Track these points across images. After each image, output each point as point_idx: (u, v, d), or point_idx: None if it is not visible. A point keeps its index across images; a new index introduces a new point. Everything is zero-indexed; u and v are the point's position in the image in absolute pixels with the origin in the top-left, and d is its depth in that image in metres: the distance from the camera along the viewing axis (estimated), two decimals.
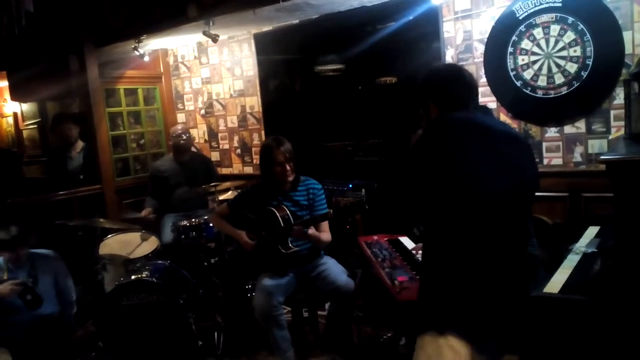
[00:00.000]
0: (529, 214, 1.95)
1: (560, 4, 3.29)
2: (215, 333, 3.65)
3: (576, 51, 3.28)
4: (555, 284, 1.95)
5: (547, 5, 3.33)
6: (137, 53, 4.67)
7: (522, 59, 3.48)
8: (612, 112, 3.27)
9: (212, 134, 5.51)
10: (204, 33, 4.20)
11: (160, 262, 3.74)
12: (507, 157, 1.78)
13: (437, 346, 1.76)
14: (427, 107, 1.96)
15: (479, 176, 1.72)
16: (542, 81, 3.43)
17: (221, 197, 4.11)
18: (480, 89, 3.69)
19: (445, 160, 1.73)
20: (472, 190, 1.71)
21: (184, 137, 4.61)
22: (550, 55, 3.38)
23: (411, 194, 1.85)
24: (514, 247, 1.81)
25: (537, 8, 3.37)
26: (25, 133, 7.00)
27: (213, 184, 4.16)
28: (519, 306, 1.81)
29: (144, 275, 3.44)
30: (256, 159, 5.11)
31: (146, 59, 4.89)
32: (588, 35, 3.22)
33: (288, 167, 3.22)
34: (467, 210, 1.72)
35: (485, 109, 2.08)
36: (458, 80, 1.93)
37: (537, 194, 3.32)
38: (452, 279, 1.78)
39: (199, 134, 5.58)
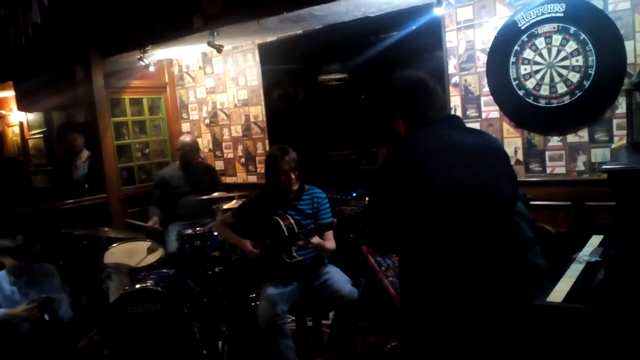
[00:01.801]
0: (509, 226, 1.84)
1: (562, 14, 3.31)
2: (220, 342, 3.65)
3: (578, 61, 3.30)
4: (559, 293, 1.95)
5: (549, 15, 3.35)
6: (142, 63, 4.70)
7: (524, 69, 3.49)
8: (615, 121, 3.28)
9: (217, 143, 5.53)
10: (209, 43, 4.23)
11: (164, 271, 3.74)
12: (478, 170, 1.69)
13: None
14: (393, 124, 1.80)
15: (449, 195, 1.63)
16: (544, 90, 3.44)
17: (225, 206, 4.12)
18: (482, 99, 3.72)
19: (412, 182, 1.61)
20: (443, 211, 1.62)
21: (191, 151, 4.63)
22: (553, 65, 3.40)
23: (380, 216, 1.72)
24: (491, 264, 1.72)
25: (539, 18, 3.39)
26: (30, 142, 7.04)
27: (217, 192, 4.19)
28: (502, 324, 1.74)
29: (148, 284, 3.44)
30: (260, 168, 5.13)
31: (151, 69, 4.93)
32: (590, 45, 3.24)
33: (293, 176, 3.23)
34: (440, 231, 1.65)
35: (454, 119, 1.92)
36: (424, 92, 1.79)
37: (540, 202, 3.37)
38: (422, 303, 1.73)
39: (203, 143, 5.61)
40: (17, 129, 7.37)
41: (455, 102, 3.81)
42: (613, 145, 3.27)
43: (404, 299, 1.83)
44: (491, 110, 3.70)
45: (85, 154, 5.05)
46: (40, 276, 3.63)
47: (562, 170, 3.50)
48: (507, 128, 3.67)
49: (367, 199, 3.52)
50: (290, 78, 4.86)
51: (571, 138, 3.46)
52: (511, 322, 1.76)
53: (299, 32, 4.52)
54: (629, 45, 3.14)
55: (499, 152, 1.82)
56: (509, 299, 1.76)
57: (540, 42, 3.42)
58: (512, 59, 3.52)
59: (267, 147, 5.02)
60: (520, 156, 3.62)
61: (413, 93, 1.79)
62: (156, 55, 5.01)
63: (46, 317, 3.36)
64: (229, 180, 5.41)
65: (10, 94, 6.36)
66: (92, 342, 3.85)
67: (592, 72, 3.25)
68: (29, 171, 6.61)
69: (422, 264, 1.72)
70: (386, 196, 1.69)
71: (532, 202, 3.10)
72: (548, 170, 3.55)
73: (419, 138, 1.71)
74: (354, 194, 4.01)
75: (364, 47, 4.16)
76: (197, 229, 4.05)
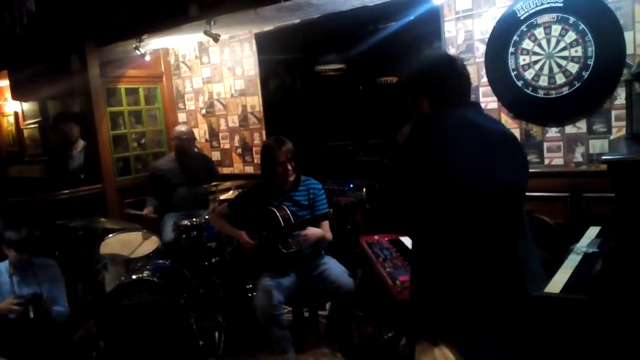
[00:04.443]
0: (521, 214, 1.86)
1: (561, 4, 3.29)
2: (216, 333, 3.65)
3: (577, 51, 3.28)
4: (557, 283, 1.95)
5: (548, 5, 3.33)
6: (138, 52, 4.66)
7: (523, 59, 3.47)
8: (613, 112, 3.26)
9: (213, 134, 5.51)
10: (205, 32, 4.20)
11: (161, 261, 3.74)
12: (499, 156, 1.71)
13: (432, 357, 1.73)
14: (418, 101, 1.82)
15: (471, 177, 1.64)
16: (543, 81, 3.43)
17: (222, 197, 4.11)
18: (481, 89, 3.70)
19: (435, 161, 1.63)
20: (464, 192, 1.63)
21: (188, 140, 4.61)
22: (552, 55, 3.38)
23: (398, 196, 1.74)
24: (506, 250, 1.75)
25: (538, 8, 3.36)
26: (26, 132, 7.00)
27: (214, 183, 4.17)
28: (514, 311, 1.76)
29: (144, 274, 3.44)
30: (257, 159, 5.11)
31: (147, 58, 4.89)
32: (589, 36, 3.22)
33: (289, 167, 3.22)
34: (459, 213, 1.65)
35: (476, 105, 1.93)
36: (452, 73, 1.79)
37: (538, 194, 3.37)
38: (441, 288, 1.72)
39: (199, 133, 5.58)
40: (12, 119, 7.32)
41: None
42: (611, 137, 3.27)
43: (415, 284, 1.83)
44: (489, 101, 3.68)
45: (81, 143, 5.03)
46: (39, 270, 3.60)
47: (560, 161, 3.49)
48: (506, 119, 3.65)
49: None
50: (288, 68, 4.82)
51: (569, 129, 3.45)
52: (518, 309, 1.77)
53: (297, 21, 4.49)
54: (628, 35, 3.13)
55: (515, 140, 1.85)
56: (516, 285, 1.78)
57: (539, 33, 3.39)
58: (511, 49, 3.50)
59: (264, 138, 4.99)
60: None
61: (441, 73, 1.80)
62: (152, 44, 4.97)
63: (31, 314, 3.29)
64: (225, 170, 5.39)
65: (4, 83, 6.30)
66: (89, 333, 3.84)
67: (591, 63, 3.24)
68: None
69: (437, 247, 1.73)
70: (408, 172, 1.70)
71: (529, 194, 3.10)
72: (546, 161, 3.54)
73: (444, 117, 1.74)
74: (351, 185, 3.99)
75: (362, 37, 4.12)
76: (194, 219, 4.03)
